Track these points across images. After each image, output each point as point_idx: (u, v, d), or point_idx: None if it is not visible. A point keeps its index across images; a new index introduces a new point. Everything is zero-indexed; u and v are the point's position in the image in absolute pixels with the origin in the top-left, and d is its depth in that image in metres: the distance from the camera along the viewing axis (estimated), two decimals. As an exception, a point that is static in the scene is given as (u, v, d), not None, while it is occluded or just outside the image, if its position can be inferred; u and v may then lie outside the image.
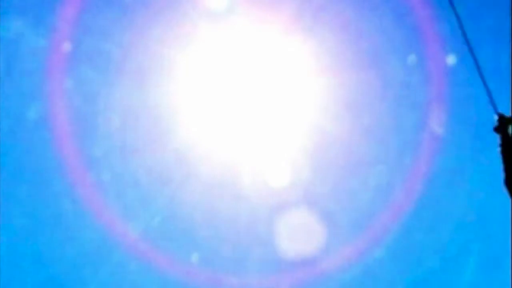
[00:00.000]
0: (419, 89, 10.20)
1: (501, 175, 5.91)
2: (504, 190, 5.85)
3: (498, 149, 6.24)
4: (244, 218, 10.09)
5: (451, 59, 9.66)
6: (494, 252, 9.76)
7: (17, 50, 10.04)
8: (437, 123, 9.99)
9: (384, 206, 9.76)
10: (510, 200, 5.82)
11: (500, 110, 6.31)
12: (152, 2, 10.14)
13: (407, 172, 9.82)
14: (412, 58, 9.91)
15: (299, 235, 9.70)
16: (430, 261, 10.08)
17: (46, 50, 10.08)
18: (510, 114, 6.33)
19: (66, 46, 9.99)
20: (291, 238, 9.66)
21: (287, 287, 10.12)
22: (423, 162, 9.84)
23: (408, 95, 10.15)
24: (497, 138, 6.19)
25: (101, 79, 10.33)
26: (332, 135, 9.62)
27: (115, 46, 10.16)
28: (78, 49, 10.11)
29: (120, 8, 10.19)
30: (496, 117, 6.35)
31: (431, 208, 9.98)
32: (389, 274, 9.71)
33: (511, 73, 6.97)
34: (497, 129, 6.44)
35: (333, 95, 9.67)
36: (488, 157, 10.00)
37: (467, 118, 9.94)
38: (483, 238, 9.86)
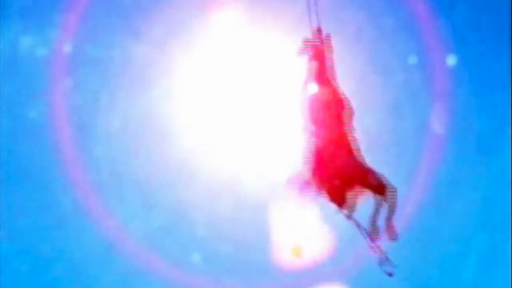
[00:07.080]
0: (420, 89, 10.19)
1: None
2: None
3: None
4: (245, 219, 10.08)
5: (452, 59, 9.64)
6: (494, 252, 9.75)
7: (16, 52, 10.05)
8: (439, 124, 9.97)
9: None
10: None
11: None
12: (154, 5, 10.15)
13: (407, 173, 9.81)
14: (413, 59, 9.90)
15: (300, 236, 9.70)
16: (430, 262, 10.08)
17: (47, 51, 10.09)
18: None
19: (67, 48, 9.99)
20: (291, 238, 9.66)
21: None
22: (424, 163, 9.82)
23: (409, 95, 10.14)
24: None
25: (102, 80, 10.34)
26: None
27: (116, 47, 10.16)
28: (79, 51, 10.11)
29: (121, 10, 10.20)
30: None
31: (432, 208, 9.98)
32: (388, 275, 9.66)
33: (511, 73, 6.95)
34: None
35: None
36: (489, 158, 9.98)
37: (468, 118, 9.92)
38: (484, 239, 9.85)
